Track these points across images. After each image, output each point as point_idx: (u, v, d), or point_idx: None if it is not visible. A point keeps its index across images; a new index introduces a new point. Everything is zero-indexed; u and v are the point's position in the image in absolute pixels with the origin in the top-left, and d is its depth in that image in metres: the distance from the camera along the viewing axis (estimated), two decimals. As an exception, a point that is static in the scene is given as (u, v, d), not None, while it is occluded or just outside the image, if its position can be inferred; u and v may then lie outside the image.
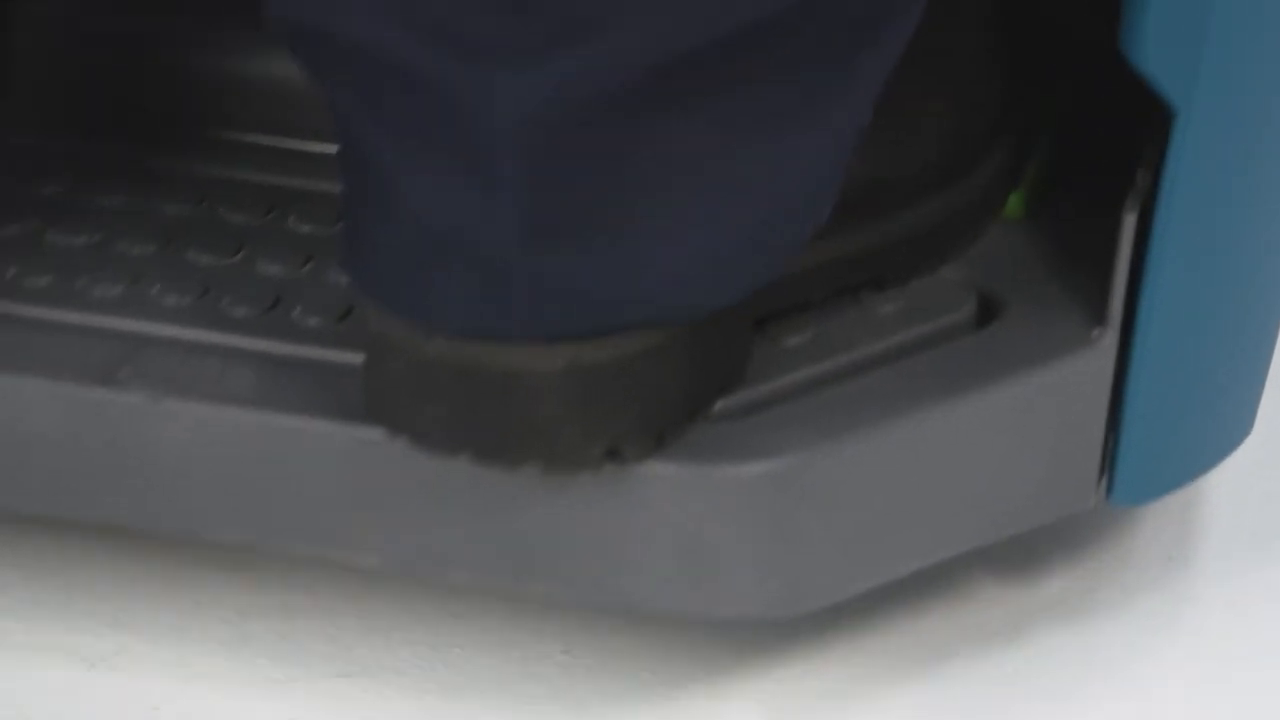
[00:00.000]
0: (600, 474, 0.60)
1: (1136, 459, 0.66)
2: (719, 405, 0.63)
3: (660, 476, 0.61)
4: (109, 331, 0.66)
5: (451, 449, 0.60)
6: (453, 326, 0.58)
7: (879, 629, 0.70)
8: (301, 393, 0.63)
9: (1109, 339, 0.64)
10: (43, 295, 0.67)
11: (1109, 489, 0.66)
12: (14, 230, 0.70)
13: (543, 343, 0.58)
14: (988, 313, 0.66)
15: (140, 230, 0.70)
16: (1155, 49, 0.59)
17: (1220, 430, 0.68)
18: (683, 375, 0.60)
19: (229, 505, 0.64)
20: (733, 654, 0.69)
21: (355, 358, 0.63)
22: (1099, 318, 0.64)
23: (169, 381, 0.63)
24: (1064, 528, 0.73)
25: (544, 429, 0.59)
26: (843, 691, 0.68)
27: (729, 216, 0.58)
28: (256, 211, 0.71)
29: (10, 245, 0.69)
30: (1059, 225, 0.70)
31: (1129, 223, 0.63)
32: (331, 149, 0.71)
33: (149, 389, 0.63)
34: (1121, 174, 0.64)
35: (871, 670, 0.69)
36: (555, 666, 0.69)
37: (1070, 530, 0.73)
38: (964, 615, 0.71)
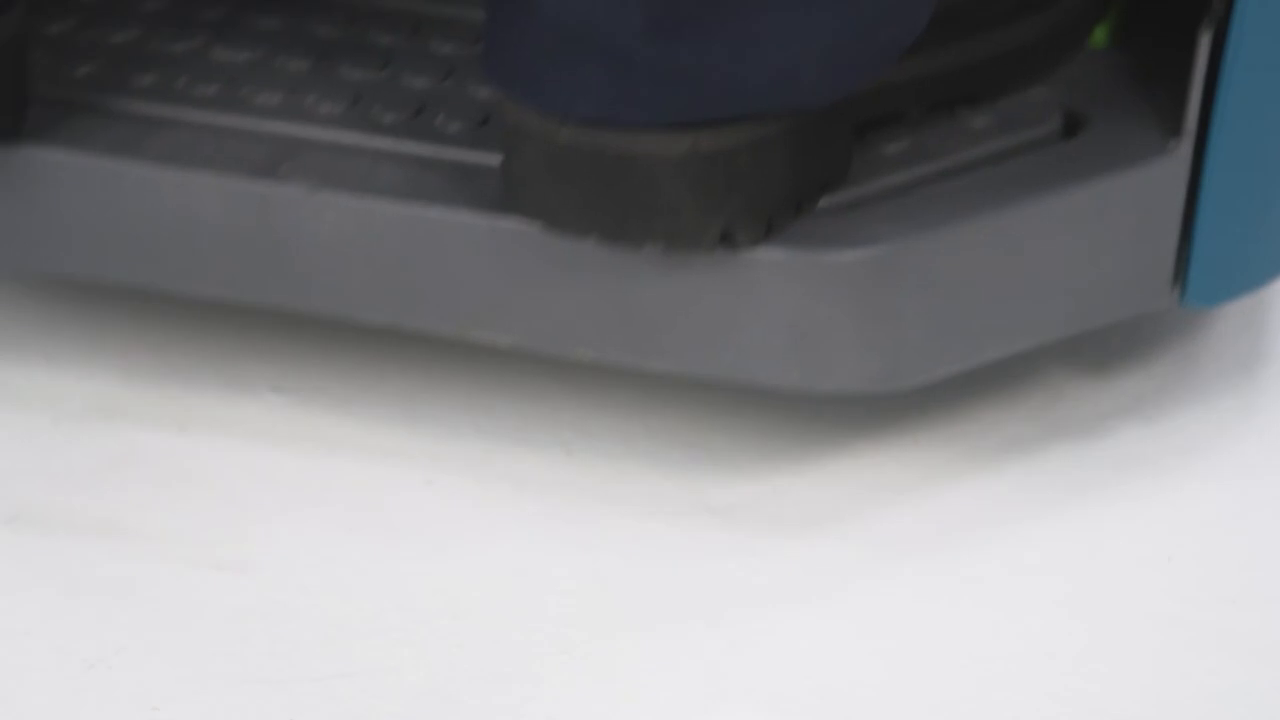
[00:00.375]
0: (714, 257, 0.67)
1: (1209, 263, 0.71)
2: (823, 202, 0.69)
3: (769, 261, 0.67)
4: (269, 135, 0.72)
5: (581, 231, 0.66)
6: (583, 115, 0.64)
7: (965, 420, 0.76)
8: (444, 187, 0.70)
9: (1184, 148, 0.69)
10: (210, 102, 0.73)
11: (1183, 291, 0.72)
12: (183, 47, 0.77)
13: (665, 130, 0.64)
14: (1072, 127, 0.72)
15: (296, 48, 0.77)
16: None
17: (1289, 238, 0.74)
18: (790, 168, 0.67)
19: (377, 289, 0.70)
20: (822, 439, 0.75)
21: (493, 159, 0.70)
22: (1175, 129, 0.70)
23: (324, 176, 0.70)
24: (1140, 331, 0.79)
25: (664, 210, 0.65)
26: (929, 476, 0.74)
27: (834, 15, 0.64)
28: (402, 33, 0.78)
29: (181, 60, 0.76)
30: (1141, 54, 0.75)
31: (1204, 41, 0.68)
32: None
33: (306, 182, 0.70)
34: (1200, 7, 0.69)
35: (957, 457, 0.75)
36: (650, 454, 0.75)
37: (1146, 333, 0.79)
38: (1045, 410, 0.76)
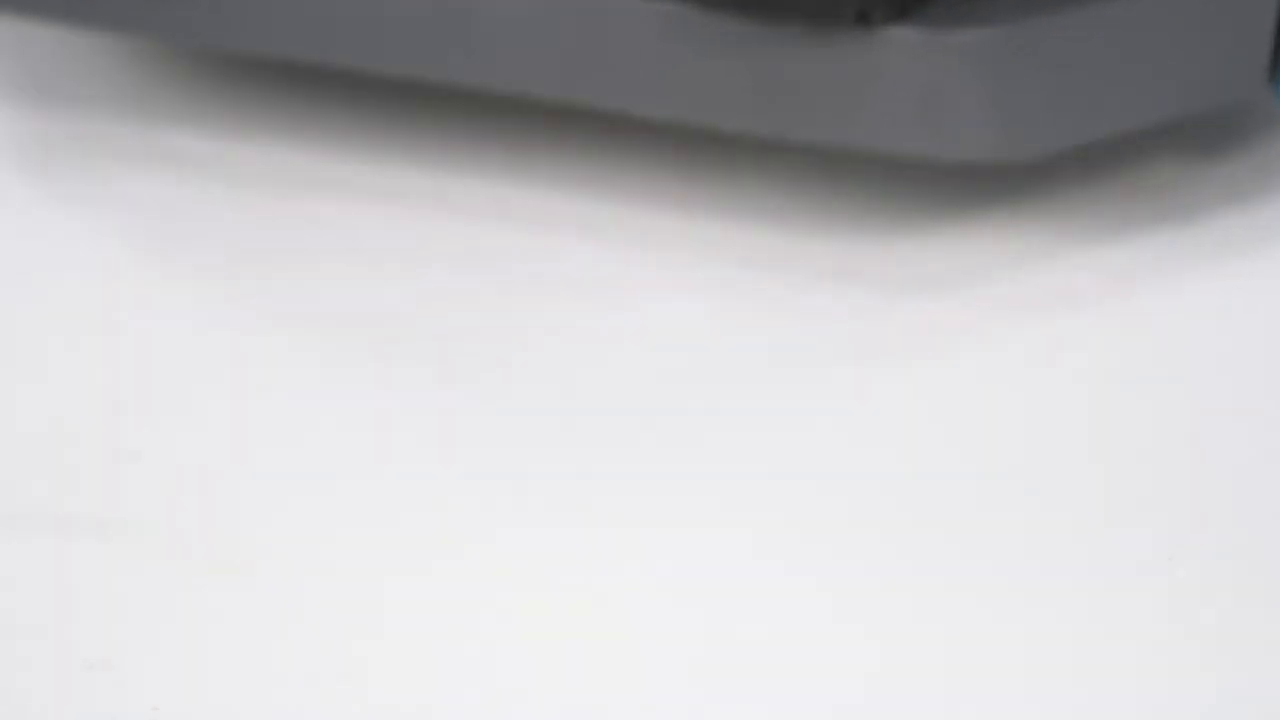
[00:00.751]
0: (851, 34, 0.74)
1: (1303, 57, 0.79)
2: (950, -9, 0.77)
3: (901, 39, 0.74)
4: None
5: (730, 10, 0.74)
6: (734, -100, 0.72)
7: (1069, 200, 0.82)
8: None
9: (1281, -52, 0.77)
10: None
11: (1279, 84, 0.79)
12: None
13: (809, -89, 0.72)
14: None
15: None
16: None
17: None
18: (920, -44, 0.74)
19: (548, 65, 0.78)
20: (934, 211, 0.82)
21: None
22: (1273, -72, 0.77)
23: None
24: (1242, 122, 0.85)
25: (806, -11, 0.73)
26: (1031, 251, 0.80)
27: None
28: None
29: None
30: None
31: None
32: None
33: None
34: None
35: (1064, 232, 0.81)
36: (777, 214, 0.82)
37: (1242, 125, 0.85)
38: (1145, 193, 0.83)
